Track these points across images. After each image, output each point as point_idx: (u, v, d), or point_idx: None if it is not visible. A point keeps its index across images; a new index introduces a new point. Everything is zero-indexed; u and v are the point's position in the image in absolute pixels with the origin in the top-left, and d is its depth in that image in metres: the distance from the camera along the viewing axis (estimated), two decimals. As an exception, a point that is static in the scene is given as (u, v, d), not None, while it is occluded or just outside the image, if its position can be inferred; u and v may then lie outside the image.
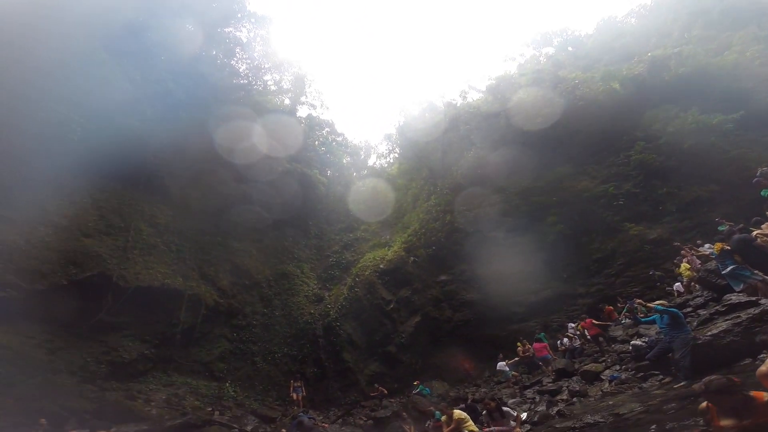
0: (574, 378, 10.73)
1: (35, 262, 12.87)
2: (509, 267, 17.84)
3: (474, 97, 28.86)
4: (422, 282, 20.27)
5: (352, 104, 71.60)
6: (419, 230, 22.33)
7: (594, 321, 13.57)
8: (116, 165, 15.89)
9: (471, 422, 8.01)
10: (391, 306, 20.20)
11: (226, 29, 24.69)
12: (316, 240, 25.33)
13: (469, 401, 11.32)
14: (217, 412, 14.22)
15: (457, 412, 8.19)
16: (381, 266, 21.55)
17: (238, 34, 25.44)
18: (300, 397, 16.71)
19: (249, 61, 26.72)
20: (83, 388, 12.66)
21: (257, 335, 19.39)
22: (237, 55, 26.28)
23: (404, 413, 12.64)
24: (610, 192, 17.92)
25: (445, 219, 21.53)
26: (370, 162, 35.45)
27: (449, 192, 22.75)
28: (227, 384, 16.87)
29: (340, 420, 15.27)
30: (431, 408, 12.24)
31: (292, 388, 16.99)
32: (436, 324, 19.36)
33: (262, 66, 27.56)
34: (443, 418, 8.72)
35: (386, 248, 23.29)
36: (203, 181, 19.45)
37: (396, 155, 33.01)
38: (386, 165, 33.23)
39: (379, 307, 20.41)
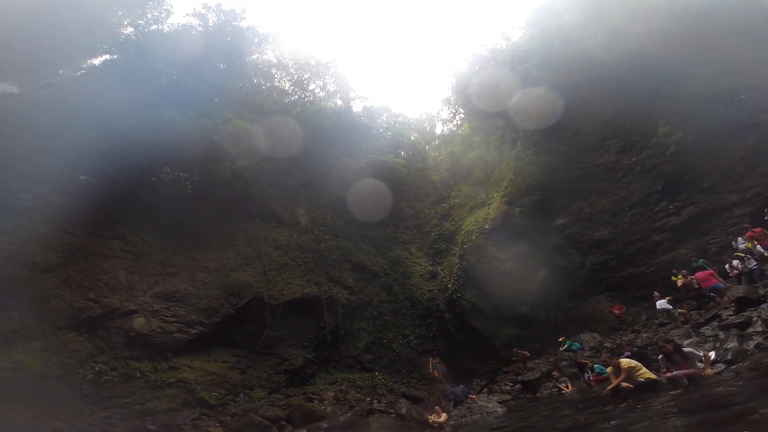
0: (764, 306, 9.38)
1: (207, 301, 14.94)
2: (634, 191, 16.25)
3: (516, 36, 26.68)
4: (537, 231, 19.44)
5: (398, 82, 70.70)
6: (515, 179, 21.43)
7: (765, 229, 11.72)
8: (230, 200, 17.83)
9: (644, 369, 7.43)
10: (509, 264, 19.77)
11: (252, 57, 25.28)
12: (413, 220, 25.73)
13: (634, 348, 10.79)
14: (375, 401, 15.26)
15: (625, 361, 7.67)
16: (486, 227, 21.17)
17: (265, 57, 26.01)
18: (440, 373, 16.96)
19: (289, 78, 27.52)
20: (273, 398, 14.51)
21: (389, 322, 20.38)
22: (276, 75, 27.24)
23: (556, 372, 12.28)
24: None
25: (540, 159, 20.41)
26: (438, 131, 34.83)
27: (534, 132, 21.48)
28: (376, 373, 18.01)
29: (485, 389, 15.28)
30: (588, 362, 11.87)
31: (431, 366, 17.33)
32: (567, 273, 18.32)
33: (303, 77, 28.11)
34: (609, 369, 8.34)
35: (485, 207, 22.82)
36: (305, 197, 20.81)
37: (461, 116, 31.90)
38: (455, 128, 32.35)
39: (496, 268, 20.08)
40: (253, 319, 15.89)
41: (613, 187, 17.67)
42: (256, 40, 24.78)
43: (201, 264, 16.19)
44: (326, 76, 28.66)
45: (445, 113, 34.09)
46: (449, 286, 20.80)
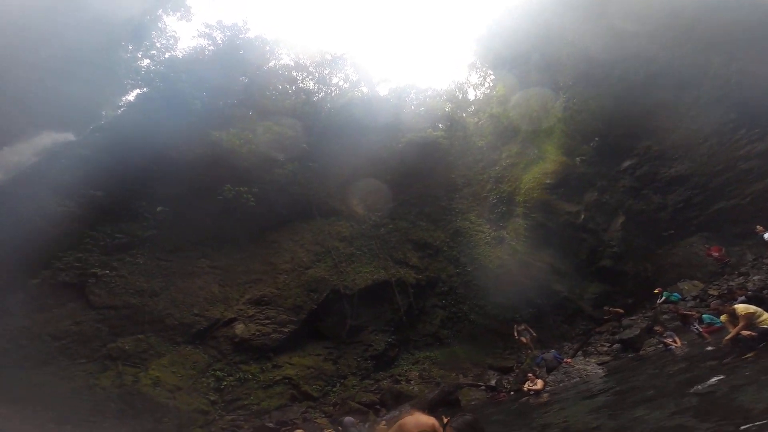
0: None
1: (291, 300, 16.08)
2: (705, 123, 14.51)
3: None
4: (604, 178, 18.25)
5: (417, 58, 67.70)
6: (567, 129, 20.13)
7: None
8: (290, 203, 18.75)
9: (766, 314, 6.82)
10: (582, 217, 18.83)
11: (270, 64, 25.60)
12: (467, 188, 25.22)
13: (748, 292, 9.97)
14: (460, 376, 15.61)
15: (742, 307, 7.11)
16: (547, 181, 20.24)
17: (282, 62, 26.36)
18: (529, 339, 16.35)
19: (311, 77, 27.63)
20: (365, 384, 15.36)
21: (461, 295, 20.38)
22: (298, 77, 27.42)
23: (658, 327, 11.44)
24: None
25: (590, 106, 18.87)
26: (471, 97, 33.34)
27: (577, 75, 19.77)
28: (456, 347, 18.28)
29: (580, 352, 14.57)
30: (694, 312, 11.12)
31: (516, 333, 16.77)
32: (648, 217, 16.99)
33: (324, 73, 28.12)
34: (723, 318, 7.76)
35: (540, 162, 21.76)
36: (355, 187, 21.20)
37: (491, 77, 30.26)
38: (488, 91, 30.73)
39: (567, 223, 19.23)
40: (335, 311, 16.80)
41: (681, 122, 15.93)
42: (267, 48, 25.28)
43: (278, 267, 17.32)
44: (346, 68, 28.29)
45: (474, 78, 32.68)
46: (519, 248, 20.35)
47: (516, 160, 24.48)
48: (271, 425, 11.77)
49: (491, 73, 30.25)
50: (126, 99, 24.16)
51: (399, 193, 22.33)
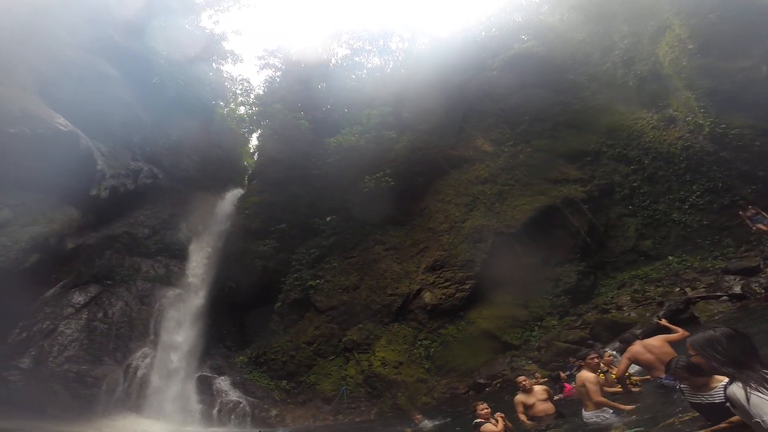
0: None
1: (462, 256, 16.89)
2: None
3: None
4: None
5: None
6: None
7: None
8: (422, 169, 18.87)
9: None
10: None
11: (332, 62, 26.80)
12: (593, 83, 20.12)
13: None
14: (687, 289, 12.95)
15: None
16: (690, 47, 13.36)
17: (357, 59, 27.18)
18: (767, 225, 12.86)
19: (379, 51, 27.45)
20: (566, 322, 14.30)
21: (649, 194, 16.59)
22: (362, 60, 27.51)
23: None
24: None
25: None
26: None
27: None
28: (669, 258, 15.15)
29: None
30: None
31: (747, 221, 13.36)
32: None
33: (388, 45, 27.50)
34: None
35: (675, 25, 14.21)
36: (472, 128, 19.44)
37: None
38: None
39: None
40: (504, 254, 16.62)
41: None
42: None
43: (437, 230, 18.20)
44: (395, 32, 27.57)
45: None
46: (701, 121, 14.88)
47: (639, 30, 17.46)
48: (482, 381, 13.36)
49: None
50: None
51: (520, 115, 19.71)
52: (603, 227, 16.66)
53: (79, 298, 15.71)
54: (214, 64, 28.18)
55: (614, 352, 9.72)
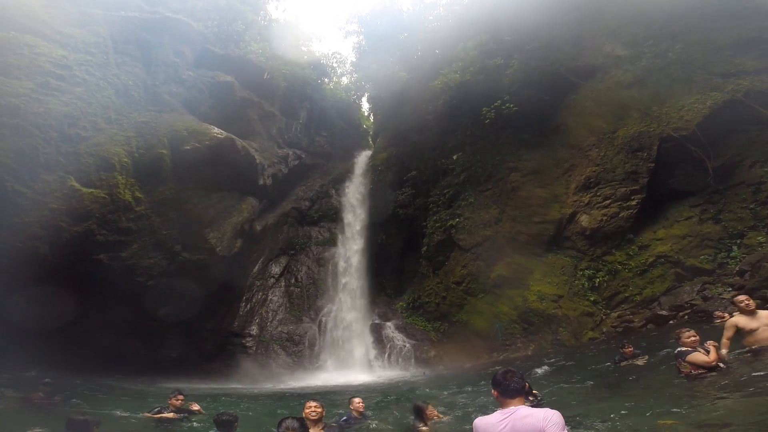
0: None
1: (620, 169, 14.60)
2: None
3: None
4: None
5: None
6: None
7: None
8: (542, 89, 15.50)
9: None
10: None
11: None
12: None
13: None
14: None
15: None
16: None
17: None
18: None
19: None
20: None
21: None
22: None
23: None
24: None
25: None
26: None
27: None
28: None
29: None
30: None
31: None
32: None
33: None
34: None
35: None
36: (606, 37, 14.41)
37: None
38: None
39: None
40: (680, 159, 12.99)
41: None
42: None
43: (582, 146, 15.99)
44: None
45: None
46: None
47: None
48: (664, 312, 11.51)
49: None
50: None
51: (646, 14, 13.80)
52: (737, 159, 11.21)
53: (275, 269, 20.05)
54: (303, 47, 29.13)
55: None
